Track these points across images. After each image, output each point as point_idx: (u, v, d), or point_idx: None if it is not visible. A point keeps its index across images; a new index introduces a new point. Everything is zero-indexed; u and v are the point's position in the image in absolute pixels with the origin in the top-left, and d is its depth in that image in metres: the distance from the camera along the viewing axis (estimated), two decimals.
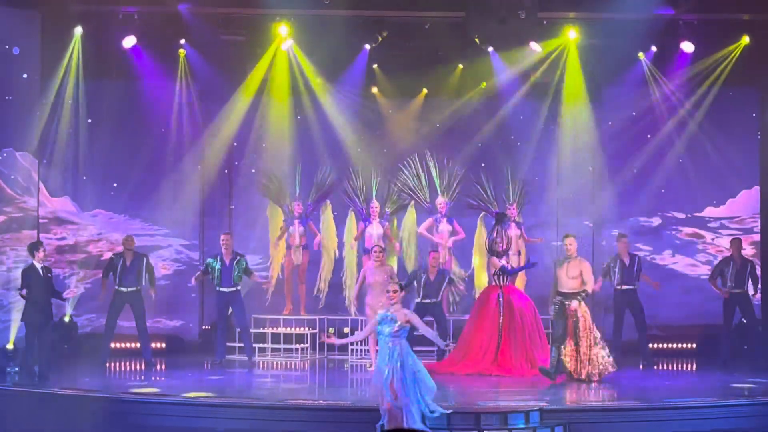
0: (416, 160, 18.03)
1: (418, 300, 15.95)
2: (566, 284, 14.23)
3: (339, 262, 18.26)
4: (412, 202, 18.09)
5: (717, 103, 18.12)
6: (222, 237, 16.65)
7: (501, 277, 15.41)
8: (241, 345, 16.81)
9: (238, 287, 16.49)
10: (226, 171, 18.92)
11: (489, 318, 15.18)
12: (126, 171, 17.86)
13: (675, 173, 18.43)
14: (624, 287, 16.61)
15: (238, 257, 16.48)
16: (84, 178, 17.76)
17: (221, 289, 16.43)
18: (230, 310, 16.65)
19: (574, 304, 14.08)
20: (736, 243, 17.07)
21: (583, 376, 14.11)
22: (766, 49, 17.45)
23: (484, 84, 18.81)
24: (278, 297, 18.04)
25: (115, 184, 17.95)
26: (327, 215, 18.27)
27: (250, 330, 16.89)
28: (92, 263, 17.82)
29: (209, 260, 16.53)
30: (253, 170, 18.89)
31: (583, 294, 14.23)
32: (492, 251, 15.65)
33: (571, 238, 14.40)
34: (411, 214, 18.20)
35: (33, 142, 16.89)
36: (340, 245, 18.22)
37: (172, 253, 18.36)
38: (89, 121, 17.59)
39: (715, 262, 17.41)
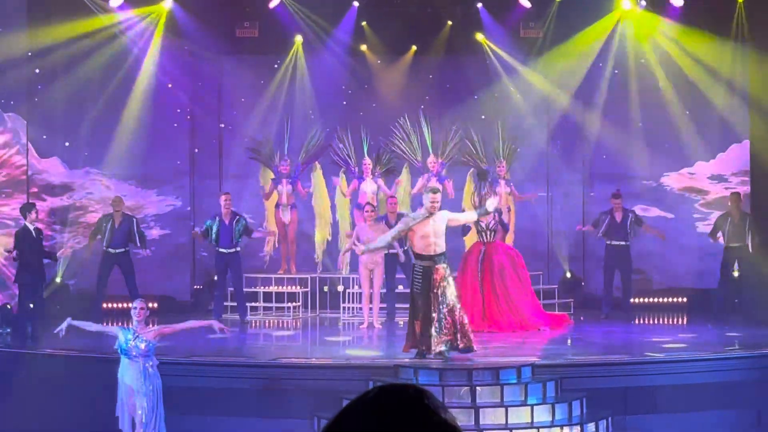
0: (406, 119, 17.85)
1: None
2: (433, 246, 11.98)
3: (333, 226, 18.12)
4: (406, 163, 17.89)
5: (707, 58, 18.03)
6: (222, 197, 16.54)
7: (486, 234, 15.33)
8: (234, 304, 16.79)
9: (238, 248, 16.41)
10: (215, 130, 18.89)
11: (469, 275, 15.14)
12: (114, 132, 17.72)
13: (664, 128, 18.31)
14: (614, 242, 16.57)
15: (238, 217, 16.36)
16: (73, 138, 17.62)
17: (221, 250, 16.33)
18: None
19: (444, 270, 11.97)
20: (735, 198, 16.87)
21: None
22: (760, 4, 17.36)
23: (480, 36, 18.56)
24: (273, 256, 18.06)
25: (101, 145, 17.77)
26: (317, 176, 18.12)
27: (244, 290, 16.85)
28: (82, 224, 17.73)
29: (208, 222, 16.40)
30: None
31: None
32: (476, 208, 15.48)
33: (439, 194, 12.22)
34: (406, 177, 17.99)
35: (21, 102, 16.78)
36: (333, 208, 18.08)
37: (162, 213, 18.28)
38: (77, 78, 17.45)
39: (714, 218, 17.22)
